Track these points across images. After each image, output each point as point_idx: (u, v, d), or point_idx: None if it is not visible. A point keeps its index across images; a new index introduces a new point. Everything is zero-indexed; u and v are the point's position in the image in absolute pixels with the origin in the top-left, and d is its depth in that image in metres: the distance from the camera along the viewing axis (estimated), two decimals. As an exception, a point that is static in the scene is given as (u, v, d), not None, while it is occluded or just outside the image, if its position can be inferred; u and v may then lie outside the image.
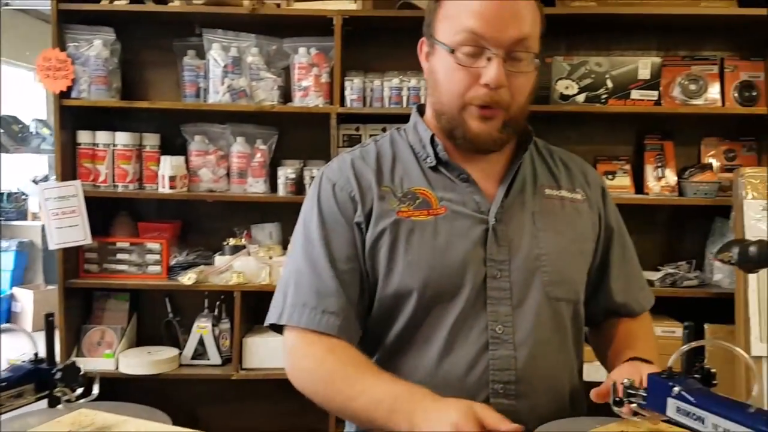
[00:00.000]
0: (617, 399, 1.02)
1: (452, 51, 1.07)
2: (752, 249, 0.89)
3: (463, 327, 1.09)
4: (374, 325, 1.17)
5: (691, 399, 0.89)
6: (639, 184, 2.70)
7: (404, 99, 2.62)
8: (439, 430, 0.89)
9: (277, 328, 1.18)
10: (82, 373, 0.98)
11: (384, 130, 2.71)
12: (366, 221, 1.13)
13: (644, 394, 0.98)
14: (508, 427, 0.88)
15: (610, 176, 2.69)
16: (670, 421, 0.94)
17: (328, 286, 1.11)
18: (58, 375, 0.93)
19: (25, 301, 4.63)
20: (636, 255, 1.30)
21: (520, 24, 1.05)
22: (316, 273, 1.12)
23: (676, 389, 0.92)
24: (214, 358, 2.64)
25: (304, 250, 1.15)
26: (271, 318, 1.16)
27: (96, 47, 2.57)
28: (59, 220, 2.53)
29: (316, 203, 1.17)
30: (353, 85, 2.60)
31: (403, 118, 2.60)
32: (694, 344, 0.97)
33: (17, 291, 4.71)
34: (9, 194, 5.55)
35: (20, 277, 5.04)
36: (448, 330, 1.10)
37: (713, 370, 0.97)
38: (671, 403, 0.92)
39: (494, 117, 1.09)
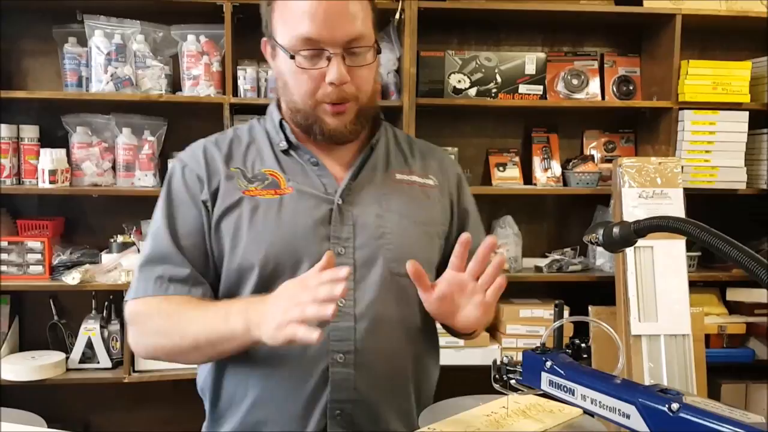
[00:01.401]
0: (496, 376, 1.06)
1: (293, 57, 1.12)
2: (615, 230, 0.95)
3: None
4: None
5: (562, 372, 0.94)
6: (527, 175, 2.81)
7: (299, 91, 2.59)
8: (272, 313, 0.99)
9: None
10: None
11: (280, 122, 2.67)
12: (212, 200, 1.18)
13: (521, 370, 1.02)
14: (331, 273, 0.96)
15: (501, 168, 2.78)
16: (546, 395, 0.99)
17: (174, 258, 1.16)
18: None
19: None
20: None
21: (352, 22, 1.10)
22: (161, 247, 1.17)
23: (548, 363, 0.96)
24: (104, 361, 2.53)
25: (152, 230, 1.20)
26: (126, 299, 1.19)
27: (-34, 33, 2.40)
28: (-74, 218, 2.35)
29: (167, 184, 1.22)
30: (246, 75, 2.55)
31: None
32: (564, 321, 1.02)
33: None
34: None
35: None
36: None
37: (584, 345, 1.03)
38: (544, 377, 0.97)
39: (346, 111, 1.15)
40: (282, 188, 1.17)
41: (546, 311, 2.65)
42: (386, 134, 1.29)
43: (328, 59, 1.10)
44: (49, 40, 2.58)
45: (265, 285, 1.13)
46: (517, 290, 2.76)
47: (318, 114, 1.15)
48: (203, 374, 1.24)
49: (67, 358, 2.55)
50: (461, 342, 2.59)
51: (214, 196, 1.18)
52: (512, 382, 1.04)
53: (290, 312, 0.96)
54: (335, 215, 1.16)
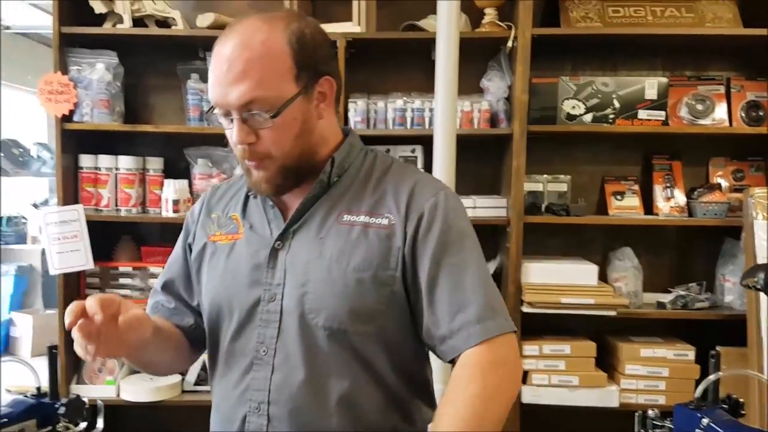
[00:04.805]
0: (641, 430, 0.98)
1: (202, 116, 1.15)
2: (781, 274, 0.86)
3: (236, 345, 1.16)
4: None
5: (721, 431, 0.86)
6: (647, 205, 2.68)
7: (408, 120, 2.60)
8: None
9: None
10: (86, 406, 0.95)
11: (388, 152, 2.68)
12: (192, 243, 1.27)
13: (671, 426, 0.94)
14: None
15: (618, 197, 2.66)
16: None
17: (158, 287, 1.31)
18: (62, 410, 0.90)
19: (23, 326, 4.57)
20: (473, 284, 1.11)
21: (240, 89, 1.05)
22: (160, 280, 1.32)
23: (705, 421, 0.88)
24: (218, 384, 2.60)
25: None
26: None
27: (98, 71, 2.56)
28: (60, 244, 2.50)
29: None
30: (357, 108, 2.58)
31: (407, 140, 2.64)
32: (721, 374, 0.93)
33: (16, 316, 4.65)
34: (9, 218, 5.51)
35: (19, 302, 4.98)
36: (226, 346, 1.18)
37: (741, 400, 0.94)
38: (700, 436, 0.89)
39: (261, 168, 1.12)
40: (238, 233, 1.20)
41: (669, 351, 2.49)
42: (359, 169, 1.20)
43: (231, 121, 1.09)
44: (172, 75, 2.71)
45: (215, 326, 1.20)
46: (637, 327, 2.62)
47: (245, 167, 1.15)
48: None
49: (183, 380, 2.63)
50: (575, 381, 2.49)
51: (193, 239, 1.27)
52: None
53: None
54: (270, 260, 1.15)
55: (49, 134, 5.82)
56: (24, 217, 5.64)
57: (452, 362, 1.10)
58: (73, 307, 0.99)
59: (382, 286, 1.11)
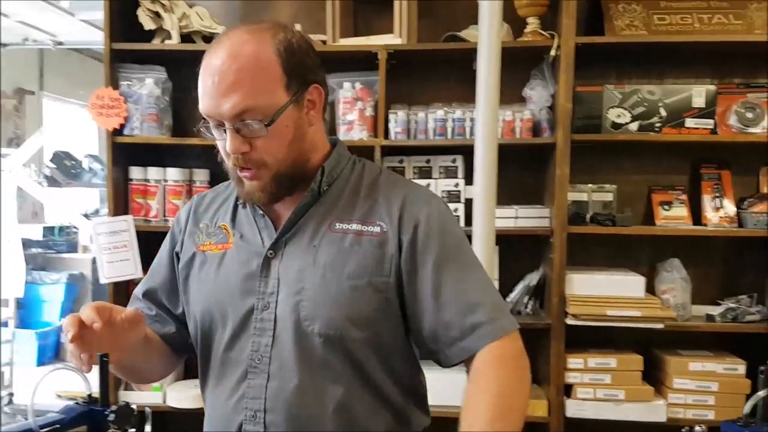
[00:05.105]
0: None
1: (199, 130, 1.15)
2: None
3: (230, 354, 1.17)
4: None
5: (773, 450, 0.84)
6: (696, 215, 2.62)
7: (449, 130, 2.60)
8: None
9: None
10: (135, 413, 0.98)
11: (428, 161, 2.69)
12: (179, 252, 1.28)
13: (720, 443, 0.92)
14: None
15: (666, 206, 2.61)
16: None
17: (138, 294, 1.31)
18: (112, 417, 0.92)
19: (75, 333, 4.75)
20: (477, 286, 1.14)
21: (233, 100, 1.07)
22: (141, 287, 1.32)
23: (756, 439, 0.86)
24: (264, 391, 2.63)
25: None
26: None
27: (148, 85, 2.63)
28: (110, 254, 2.57)
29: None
30: (397, 118, 2.60)
31: (447, 150, 2.64)
32: (773, 390, 0.91)
33: (67, 323, 4.84)
34: (61, 227, 5.68)
35: (70, 309, 5.14)
36: (220, 355, 1.19)
37: (795, 418, 0.91)
38: (750, 454, 0.86)
39: (255, 177, 1.12)
40: (228, 243, 1.20)
41: (719, 365, 2.43)
42: (348, 178, 1.22)
43: (225, 131, 1.10)
44: (217, 89, 2.76)
45: (206, 336, 1.21)
46: (685, 340, 2.56)
47: (237, 177, 1.15)
48: None
49: (228, 388, 2.67)
50: (620, 395, 2.44)
51: (181, 248, 1.28)
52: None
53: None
54: (263, 269, 1.16)
55: (100, 147, 6.01)
56: (75, 227, 5.81)
57: (456, 365, 1.14)
58: (71, 320, 1.03)
59: (376, 292, 1.14)
